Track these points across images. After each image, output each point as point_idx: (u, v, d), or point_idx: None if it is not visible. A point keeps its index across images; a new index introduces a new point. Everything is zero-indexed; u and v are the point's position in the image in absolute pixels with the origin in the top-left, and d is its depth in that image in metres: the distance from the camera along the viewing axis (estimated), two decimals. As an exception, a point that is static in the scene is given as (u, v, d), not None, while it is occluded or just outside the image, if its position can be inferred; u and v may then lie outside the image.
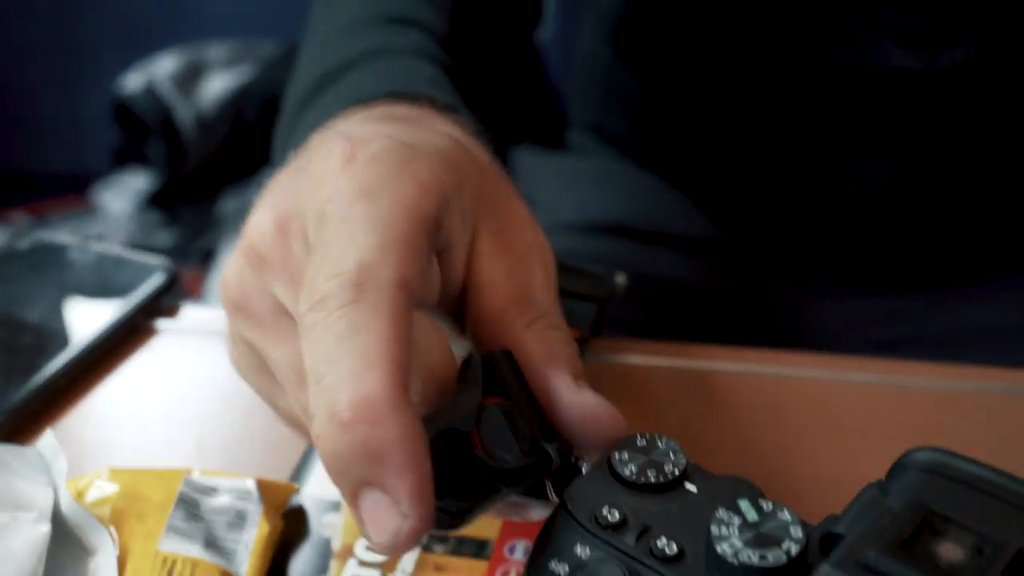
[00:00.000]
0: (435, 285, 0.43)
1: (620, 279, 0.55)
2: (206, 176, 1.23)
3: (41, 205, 1.27)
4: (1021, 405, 0.55)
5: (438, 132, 0.47)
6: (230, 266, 0.43)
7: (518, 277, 0.43)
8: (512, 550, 0.46)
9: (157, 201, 1.20)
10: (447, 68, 0.60)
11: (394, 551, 0.35)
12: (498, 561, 0.46)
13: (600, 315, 0.54)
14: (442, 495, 0.35)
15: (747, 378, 0.57)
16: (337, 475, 0.34)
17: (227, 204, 1.24)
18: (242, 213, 1.29)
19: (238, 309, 0.41)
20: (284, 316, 0.40)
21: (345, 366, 0.34)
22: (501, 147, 0.99)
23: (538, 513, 0.41)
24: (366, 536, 0.35)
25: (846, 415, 0.54)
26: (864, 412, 0.54)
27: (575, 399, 0.40)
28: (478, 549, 0.48)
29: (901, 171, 0.74)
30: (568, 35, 1.11)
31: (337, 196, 0.40)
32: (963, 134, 0.75)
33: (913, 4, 0.73)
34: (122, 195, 1.19)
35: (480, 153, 0.48)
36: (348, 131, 0.46)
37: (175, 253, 1.21)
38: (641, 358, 0.58)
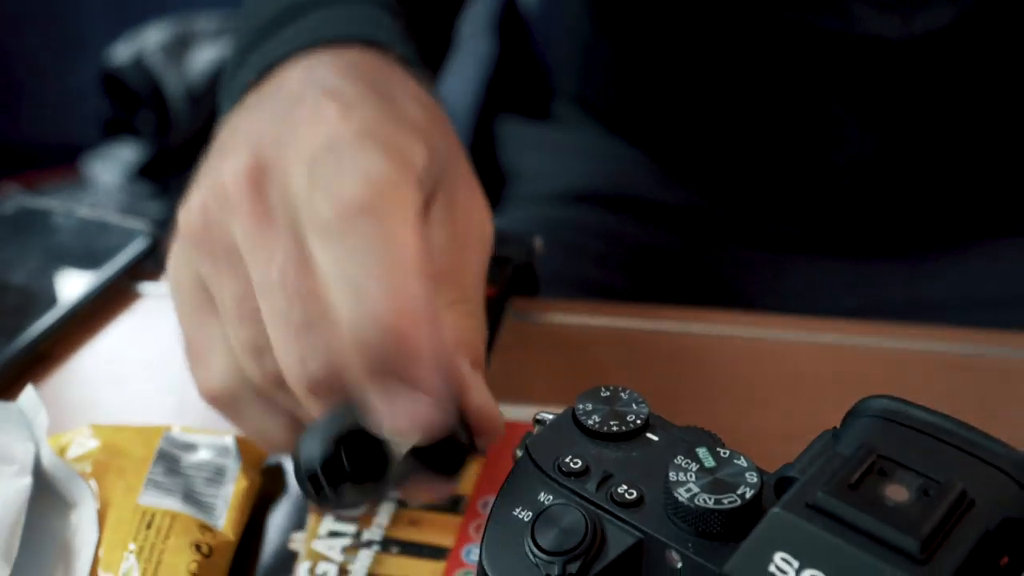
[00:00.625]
0: None
1: (537, 242, 0.57)
2: (196, 147, 1.22)
3: (32, 176, 1.27)
4: (986, 365, 0.56)
5: (412, 97, 0.48)
6: (195, 199, 0.44)
7: (455, 254, 0.44)
8: (485, 505, 0.47)
9: (147, 172, 1.20)
10: (407, 26, 0.60)
11: (410, 434, 0.38)
12: (472, 516, 0.46)
13: (528, 274, 0.57)
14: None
15: (712, 340, 0.58)
16: (368, 371, 0.38)
17: None
18: None
19: (197, 242, 0.42)
20: (238, 255, 0.41)
21: (388, 274, 0.38)
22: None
23: (443, 490, 0.44)
24: (386, 423, 0.38)
25: (810, 374, 0.55)
26: (828, 370, 0.55)
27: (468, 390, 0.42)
28: (452, 504, 0.48)
29: (881, 138, 0.75)
30: (552, 5, 1.11)
31: (338, 136, 0.41)
32: (942, 101, 0.75)
33: None
34: (112, 167, 1.19)
35: (447, 121, 0.49)
36: (331, 88, 0.46)
37: (165, 224, 1.21)
38: (610, 320, 0.59)
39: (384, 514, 0.48)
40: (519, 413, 0.50)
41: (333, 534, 0.47)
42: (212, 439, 0.49)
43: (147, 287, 0.63)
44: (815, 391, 0.53)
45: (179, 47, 1.17)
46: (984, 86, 0.76)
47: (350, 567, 0.46)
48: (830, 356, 0.56)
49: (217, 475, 0.48)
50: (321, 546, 0.47)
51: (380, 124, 0.43)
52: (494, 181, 0.86)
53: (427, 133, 0.45)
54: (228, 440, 0.49)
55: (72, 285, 0.61)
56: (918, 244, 0.81)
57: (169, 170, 1.23)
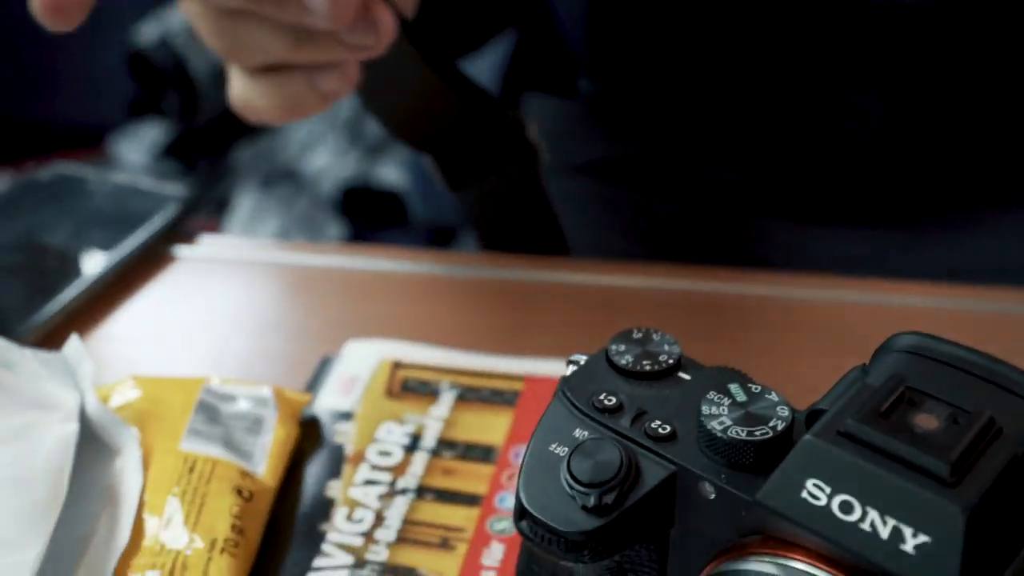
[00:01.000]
0: None
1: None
2: (221, 127, 1.24)
3: (59, 157, 1.27)
4: (1008, 320, 0.57)
5: None
6: None
7: None
8: (517, 455, 0.48)
9: (172, 152, 1.21)
10: None
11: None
12: (504, 465, 0.47)
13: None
14: None
15: (737, 297, 0.59)
16: None
17: (241, 155, 1.24)
18: (255, 163, 1.29)
19: None
20: None
21: None
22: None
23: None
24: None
25: (837, 328, 0.56)
26: (852, 326, 0.56)
27: None
28: (485, 454, 0.49)
29: (896, 107, 0.75)
30: None
31: None
32: (955, 69, 0.75)
33: None
34: (138, 146, 1.20)
35: None
36: None
37: (192, 202, 1.22)
38: (638, 279, 0.60)
39: (419, 463, 0.49)
40: (551, 368, 0.51)
41: (369, 482, 0.48)
42: (250, 390, 0.50)
43: (182, 250, 0.64)
44: (840, 346, 0.54)
45: None
46: (995, 53, 0.76)
47: (386, 513, 0.47)
48: (854, 312, 0.57)
49: (255, 424, 0.49)
50: (357, 493, 0.48)
51: None
52: (526, 156, 0.87)
53: None
54: (266, 391, 0.50)
55: (110, 247, 0.62)
56: (931, 212, 0.81)
57: (195, 149, 1.24)
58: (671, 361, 0.38)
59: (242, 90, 0.51)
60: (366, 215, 1.21)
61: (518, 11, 1.03)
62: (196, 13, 0.49)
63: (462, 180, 0.68)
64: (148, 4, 1.24)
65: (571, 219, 0.72)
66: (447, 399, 0.53)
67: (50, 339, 0.55)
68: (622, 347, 0.38)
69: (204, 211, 1.27)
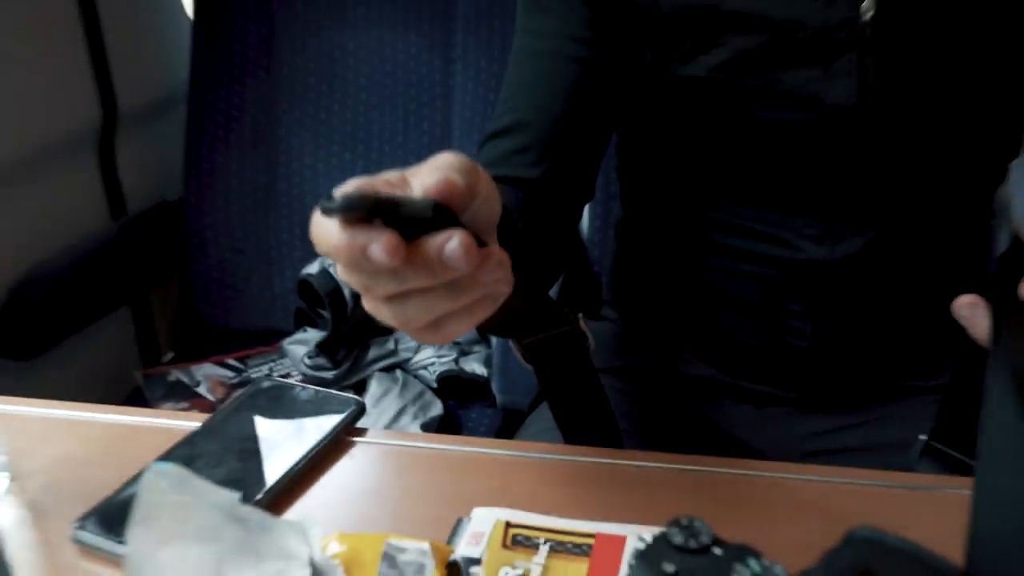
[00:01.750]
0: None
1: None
2: (359, 332, 1.27)
3: (245, 352, 1.32)
4: (920, 498, 0.58)
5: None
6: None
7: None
8: None
9: (324, 349, 1.23)
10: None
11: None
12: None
13: None
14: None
15: (722, 476, 0.60)
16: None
17: (371, 352, 1.27)
18: (381, 358, 1.31)
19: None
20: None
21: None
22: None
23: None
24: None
25: (801, 503, 0.57)
26: (812, 500, 0.57)
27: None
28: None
29: (824, 328, 0.76)
30: (602, 233, 1.17)
31: None
32: (863, 303, 0.76)
33: (819, 215, 0.74)
34: (302, 345, 1.24)
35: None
36: None
37: (335, 384, 1.24)
38: (663, 463, 0.61)
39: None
40: (611, 528, 0.53)
41: None
42: (416, 544, 0.50)
43: (358, 439, 0.65)
44: (804, 518, 0.55)
45: None
46: (899, 290, 0.77)
47: None
48: (819, 489, 0.58)
49: (420, 570, 0.49)
50: None
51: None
52: (577, 339, 0.82)
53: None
54: (425, 546, 0.50)
55: (311, 436, 0.63)
56: (855, 403, 0.81)
57: (339, 347, 1.26)
58: (708, 541, 0.40)
59: (372, 308, 0.44)
60: (458, 396, 1.24)
61: (567, 262, 1.06)
62: (343, 274, 0.43)
63: (535, 355, 0.68)
64: (312, 250, 1.29)
65: None
66: (544, 550, 0.53)
67: (276, 504, 0.56)
68: (675, 531, 0.40)
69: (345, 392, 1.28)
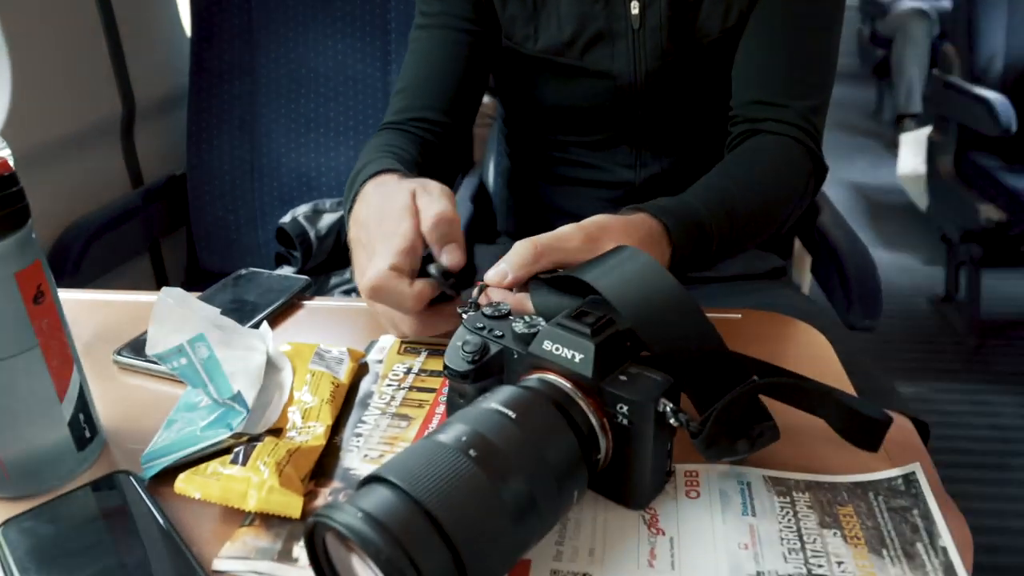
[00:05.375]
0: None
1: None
2: (323, 266, 1.29)
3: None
4: None
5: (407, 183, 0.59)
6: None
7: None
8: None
9: None
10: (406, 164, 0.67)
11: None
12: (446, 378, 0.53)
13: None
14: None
15: None
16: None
17: (332, 280, 1.29)
18: (342, 286, 1.34)
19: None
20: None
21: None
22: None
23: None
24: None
25: None
26: None
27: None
28: (439, 374, 0.57)
29: None
30: (496, 187, 1.19)
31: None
32: None
33: (630, 150, 0.79)
34: None
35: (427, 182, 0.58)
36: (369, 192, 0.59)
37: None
38: None
39: (410, 379, 0.57)
40: None
41: (388, 385, 0.56)
42: (336, 349, 0.58)
43: (305, 302, 0.71)
44: None
45: (315, 214, 1.27)
46: None
47: (395, 395, 0.55)
48: None
49: (340, 362, 0.57)
50: (384, 389, 0.56)
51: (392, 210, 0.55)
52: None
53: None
54: (343, 349, 0.58)
55: (275, 298, 0.70)
56: None
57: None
58: (506, 310, 0.49)
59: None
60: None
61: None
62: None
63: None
64: (291, 205, 1.34)
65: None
66: (423, 354, 0.60)
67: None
68: (488, 307, 0.49)
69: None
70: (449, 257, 0.53)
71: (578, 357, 0.42)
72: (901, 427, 0.69)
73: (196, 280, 1.47)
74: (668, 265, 0.58)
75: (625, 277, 0.46)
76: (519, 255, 0.49)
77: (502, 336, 0.47)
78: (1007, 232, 1.97)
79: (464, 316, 0.49)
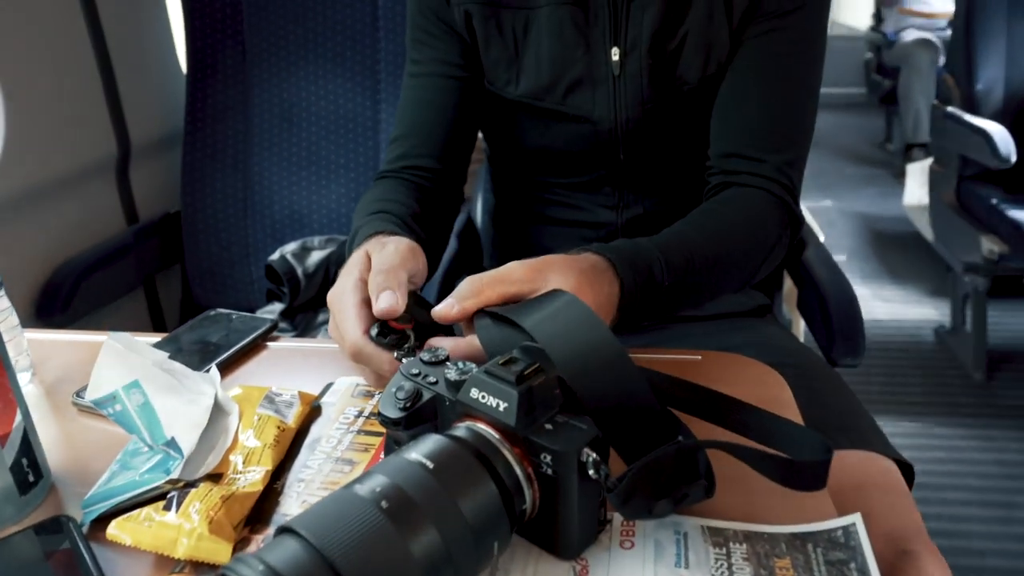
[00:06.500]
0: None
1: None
2: (311, 303, 1.31)
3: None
4: None
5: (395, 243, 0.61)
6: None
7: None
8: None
9: (285, 316, 1.29)
10: (400, 224, 0.69)
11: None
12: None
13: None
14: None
15: None
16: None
17: (320, 316, 1.30)
18: (328, 323, 1.35)
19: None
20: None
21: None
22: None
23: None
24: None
25: None
26: None
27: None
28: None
29: None
30: (484, 225, 1.21)
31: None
32: None
33: (612, 191, 0.80)
34: (270, 314, 1.27)
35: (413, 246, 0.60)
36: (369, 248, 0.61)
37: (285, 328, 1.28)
38: None
39: (359, 422, 0.57)
40: None
41: (337, 428, 0.56)
42: (288, 393, 0.58)
43: (270, 344, 0.72)
44: None
45: (303, 252, 1.28)
46: None
47: (343, 439, 0.55)
48: None
49: (289, 406, 0.57)
50: (333, 432, 0.56)
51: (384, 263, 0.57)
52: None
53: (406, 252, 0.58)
54: (295, 392, 0.58)
55: (239, 339, 0.70)
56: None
57: (296, 314, 1.31)
58: (443, 356, 0.48)
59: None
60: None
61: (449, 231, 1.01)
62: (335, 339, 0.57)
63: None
64: (280, 243, 1.36)
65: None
66: (376, 396, 0.60)
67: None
68: (427, 353, 0.49)
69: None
70: (376, 305, 0.53)
71: (502, 406, 0.42)
72: (885, 470, 0.69)
73: (190, 315, 1.42)
74: (618, 301, 0.57)
75: (559, 325, 0.46)
76: (464, 288, 0.51)
77: (436, 383, 0.47)
78: (1009, 263, 1.94)
79: (401, 362, 0.48)
